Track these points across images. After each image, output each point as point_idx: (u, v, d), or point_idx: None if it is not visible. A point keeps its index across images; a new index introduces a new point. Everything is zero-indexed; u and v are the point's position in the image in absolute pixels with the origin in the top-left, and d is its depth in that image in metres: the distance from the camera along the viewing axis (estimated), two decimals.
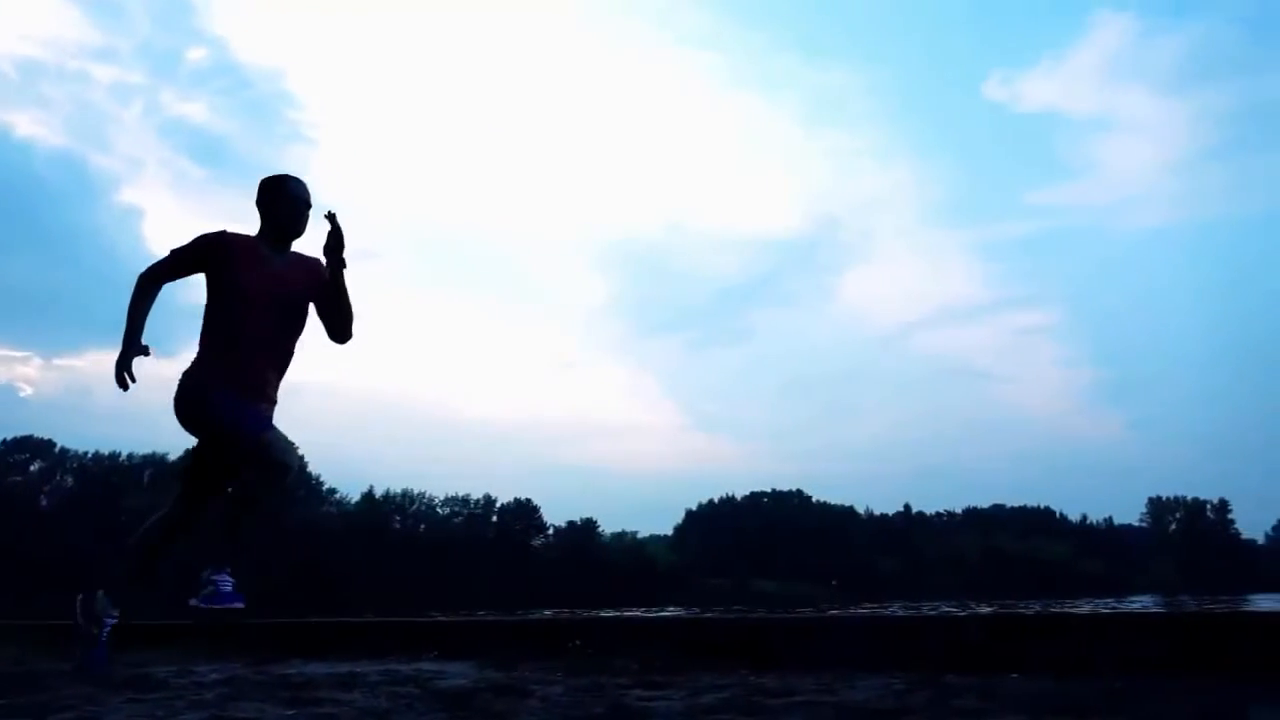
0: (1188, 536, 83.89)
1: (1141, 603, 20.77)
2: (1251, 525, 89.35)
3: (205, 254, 3.03)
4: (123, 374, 2.90)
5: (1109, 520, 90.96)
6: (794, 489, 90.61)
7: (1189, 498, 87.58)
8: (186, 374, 3.00)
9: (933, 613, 3.65)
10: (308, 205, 3.17)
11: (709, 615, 3.66)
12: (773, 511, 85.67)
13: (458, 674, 2.75)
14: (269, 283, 3.04)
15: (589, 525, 76.38)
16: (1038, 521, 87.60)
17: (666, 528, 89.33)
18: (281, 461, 2.90)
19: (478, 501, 73.34)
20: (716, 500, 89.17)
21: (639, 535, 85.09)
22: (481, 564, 63.15)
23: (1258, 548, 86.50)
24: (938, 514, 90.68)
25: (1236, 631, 2.32)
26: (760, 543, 77.27)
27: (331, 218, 3.01)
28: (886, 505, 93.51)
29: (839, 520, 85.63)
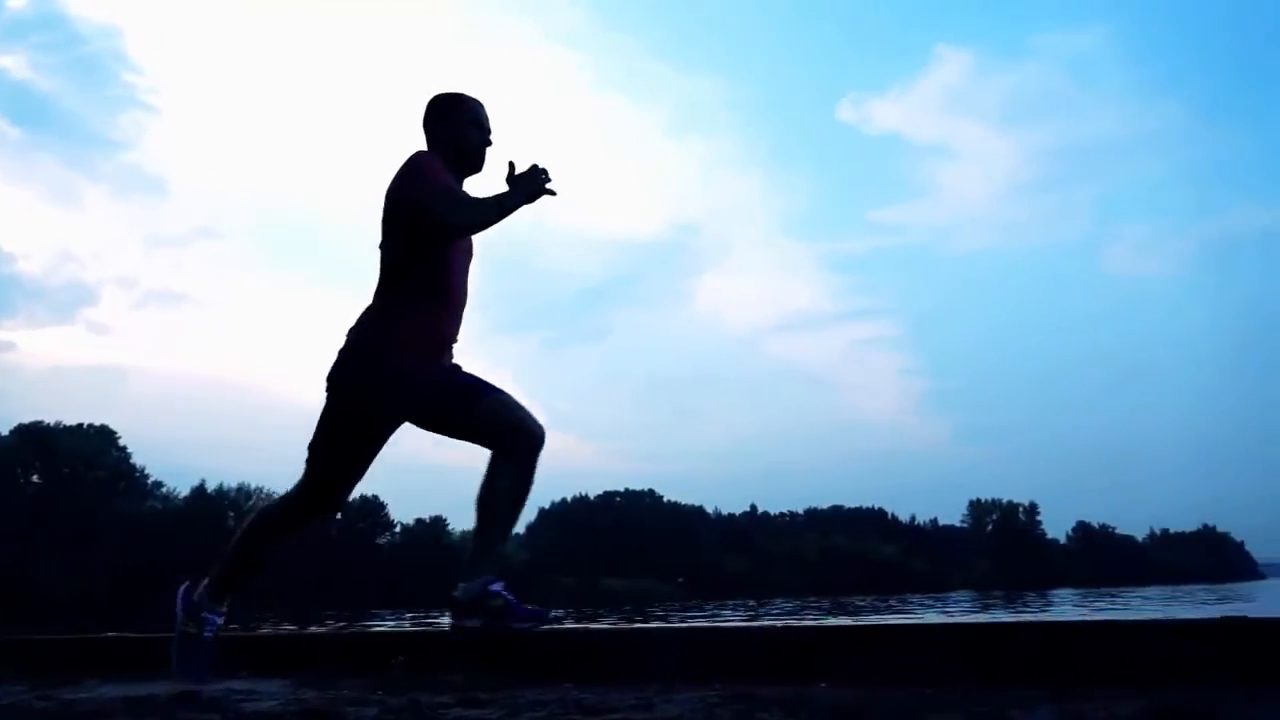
0: (1002, 536, 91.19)
1: (956, 599, 22.41)
2: (1055, 526, 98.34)
3: (442, 178, 2.45)
4: (535, 184, 2.35)
5: (934, 521, 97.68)
6: (646, 488, 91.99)
7: (1004, 500, 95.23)
8: (378, 331, 2.41)
9: (753, 624, 3.79)
10: (490, 136, 2.58)
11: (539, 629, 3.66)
12: (625, 511, 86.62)
13: (269, 694, 2.63)
14: None
15: (438, 523, 74.67)
16: (871, 522, 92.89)
17: (519, 526, 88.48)
18: (314, 514, 2.50)
19: None
20: (570, 499, 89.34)
21: None
22: (323, 564, 60.52)
23: (1060, 547, 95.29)
24: (781, 514, 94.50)
25: (1015, 639, 2.53)
26: (612, 542, 77.96)
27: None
28: (734, 505, 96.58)
29: (688, 520, 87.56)
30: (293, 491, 2.55)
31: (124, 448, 59.63)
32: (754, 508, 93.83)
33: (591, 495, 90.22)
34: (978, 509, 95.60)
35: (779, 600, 34.50)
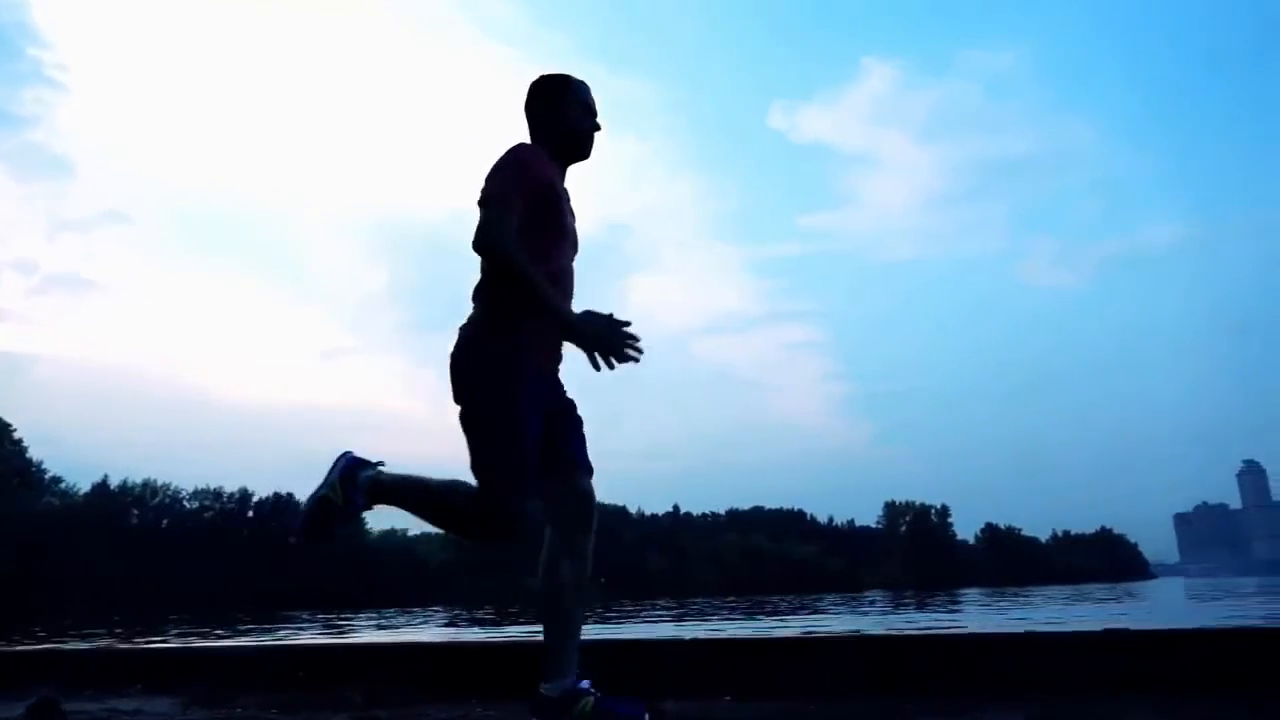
0: (915, 537, 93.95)
1: (870, 599, 22.97)
2: (965, 527, 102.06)
3: (539, 177, 2.19)
4: (615, 338, 2.04)
5: (851, 522, 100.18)
6: None
7: (918, 502, 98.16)
8: (489, 325, 2.14)
9: (659, 636, 3.80)
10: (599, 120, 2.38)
11: (444, 641, 3.61)
12: None
13: (158, 713, 2.52)
14: (572, 217, 2.32)
15: (356, 522, 72.92)
16: (791, 523, 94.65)
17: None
18: (504, 535, 2.13)
19: (232, 495, 68.00)
20: None
21: (410, 533, 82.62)
22: (235, 563, 58.58)
23: (969, 547, 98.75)
24: (703, 515, 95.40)
25: (916, 651, 2.61)
26: (533, 541, 77.43)
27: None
28: (657, 505, 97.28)
29: (612, 519, 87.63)
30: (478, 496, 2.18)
31: (19, 441, 56.57)
32: (676, 508, 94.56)
33: None
34: (893, 510, 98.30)
35: (698, 600, 34.79)
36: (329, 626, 13.61)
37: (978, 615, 11.86)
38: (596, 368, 2.05)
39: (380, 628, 13.02)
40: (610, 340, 2.02)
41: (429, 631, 11.45)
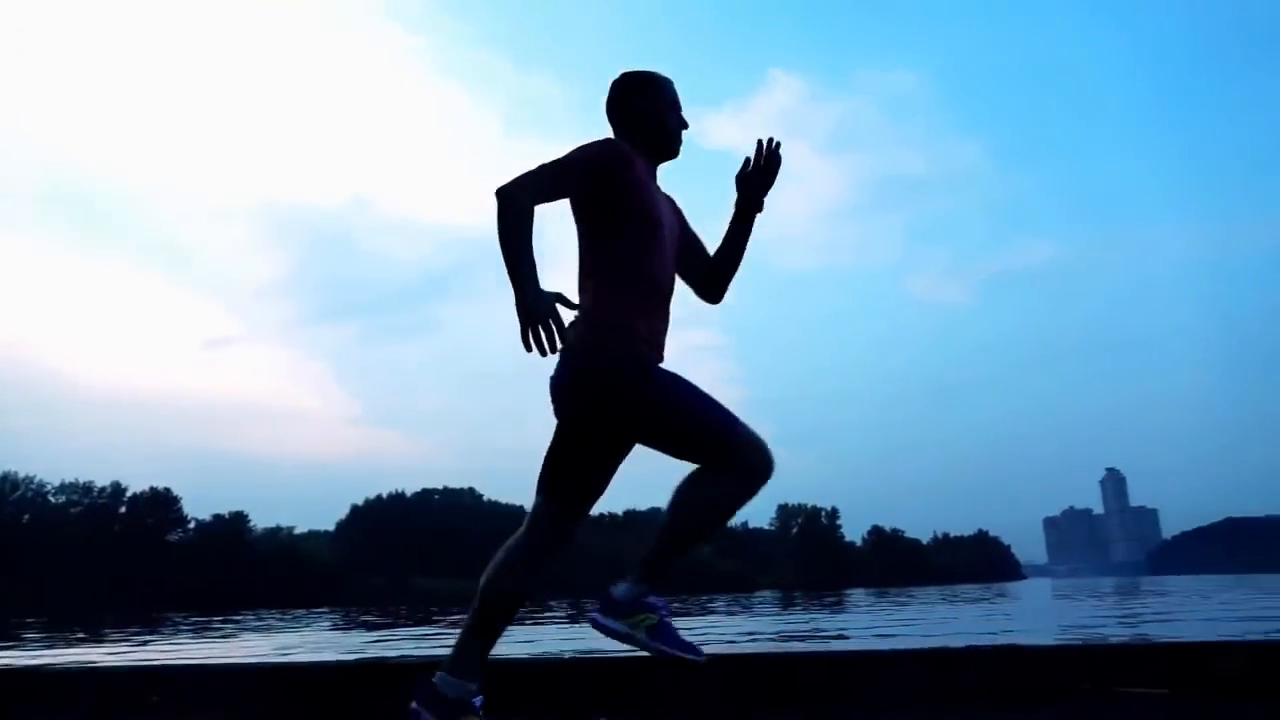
0: (806, 539, 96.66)
1: (761, 599, 23.48)
2: (853, 529, 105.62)
3: (608, 167, 2.12)
4: (540, 328, 1.88)
5: (745, 524, 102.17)
6: (467, 487, 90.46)
7: (810, 505, 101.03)
8: (595, 332, 2.08)
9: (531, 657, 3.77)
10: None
11: (303, 660, 3.46)
12: (443, 509, 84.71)
13: None
14: (666, 216, 2.27)
15: (239, 519, 69.99)
16: None
17: (329, 523, 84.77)
18: (766, 463, 2.16)
19: (103, 490, 64.14)
20: (385, 496, 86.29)
21: (296, 531, 79.78)
22: (105, 561, 55.26)
23: (856, 549, 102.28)
24: (601, 515, 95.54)
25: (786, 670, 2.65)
26: (428, 541, 75.96)
27: (776, 146, 2.33)
28: None
29: (510, 519, 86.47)
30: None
31: None
32: None
33: (409, 492, 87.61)
34: (785, 513, 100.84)
35: (590, 600, 34.80)
36: (198, 636, 12.97)
37: (863, 623, 12.24)
38: (525, 346, 1.93)
39: (257, 632, 12.48)
40: (527, 324, 1.90)
41: (312, 637, 11.03)
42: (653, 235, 2.17)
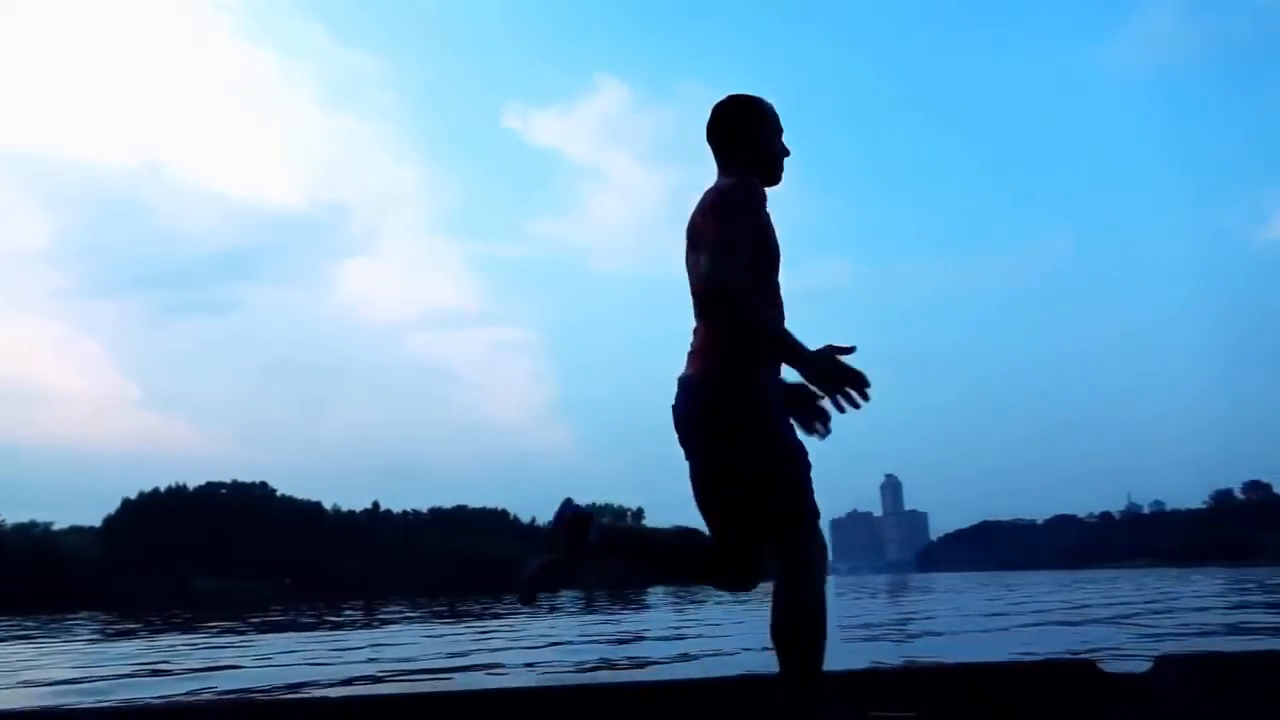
0: None
1: (564, 601, 23.73)
2: None
3: (762, 210, 2.10)
4: (845, 385, 1.89)
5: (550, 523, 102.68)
6: (258, 480, 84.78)
7: (615, 504, 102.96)
8: (740, 381, 2.01)
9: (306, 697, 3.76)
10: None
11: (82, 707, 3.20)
12: (230, 504, 78.93)
13: None
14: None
15: (44, 531, 62.22)
16: (494, 522, 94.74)
17: (95, 518, 76.79)
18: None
19: None
20: (163, 489, 79.27)
21: (54, 526, 71.59)
22: None
23: None
24: (404, 512, 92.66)
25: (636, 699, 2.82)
26: (212, 538, 70.56)
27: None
28: (355, 502, 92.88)
29: (304, 516, 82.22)
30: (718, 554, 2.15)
31: None
32: (376, 505, 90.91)
33: (191, 485, 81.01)
34: (593, 512, 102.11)
35: (394, 603, 33.75)
36: None
37: (663, 628, 12.65)
38: (839, 409, 1.98)
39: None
40: (843, 383, 1.92)
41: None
42: (776, 272, 2.17)
